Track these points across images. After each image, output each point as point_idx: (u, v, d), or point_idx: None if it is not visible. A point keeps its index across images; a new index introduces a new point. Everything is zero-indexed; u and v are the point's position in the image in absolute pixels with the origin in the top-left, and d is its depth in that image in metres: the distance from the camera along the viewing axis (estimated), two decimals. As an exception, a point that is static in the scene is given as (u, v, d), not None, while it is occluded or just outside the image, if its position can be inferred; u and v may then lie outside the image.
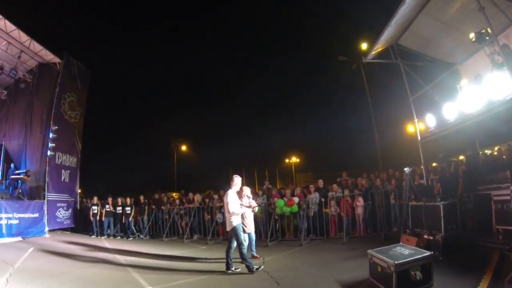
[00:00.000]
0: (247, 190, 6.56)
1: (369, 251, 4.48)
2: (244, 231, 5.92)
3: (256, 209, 6.65)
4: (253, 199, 9.34)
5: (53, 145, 11.70)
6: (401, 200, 7.52)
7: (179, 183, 25.83)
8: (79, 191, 14.05)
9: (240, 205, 5.92)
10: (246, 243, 5.99)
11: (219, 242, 9.32)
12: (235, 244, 5.63)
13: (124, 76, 40.13)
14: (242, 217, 6.08)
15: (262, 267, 5.57)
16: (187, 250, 8.23)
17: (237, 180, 5.96)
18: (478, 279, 4.05)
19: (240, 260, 5.50)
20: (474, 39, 6.17)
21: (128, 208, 11.39)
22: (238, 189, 6.04)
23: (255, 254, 6.47)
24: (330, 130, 29.07)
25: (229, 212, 5.64)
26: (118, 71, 39.15)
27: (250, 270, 5.37)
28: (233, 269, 5.49)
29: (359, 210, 8.44)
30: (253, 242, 6.54)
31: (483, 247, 5.51)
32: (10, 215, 9.40)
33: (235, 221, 5.60)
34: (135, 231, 11.42)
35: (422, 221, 5.89)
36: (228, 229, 5.75)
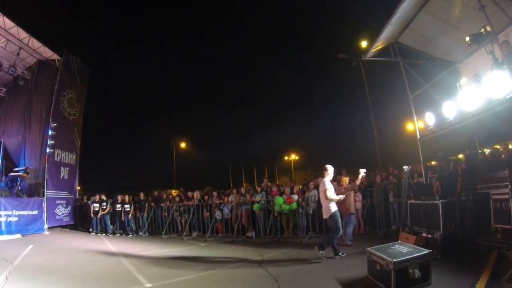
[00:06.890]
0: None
1: (367, 248, 4.50)
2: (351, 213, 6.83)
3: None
4: (252, 196, 9.38)
5: (52, 142, 11.70)
6: (400, 198, 7.54)
7: (178, 180, 25.87)
8: (78, 188, 14.05)
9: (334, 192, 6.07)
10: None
11: (218, 240, 9.36)
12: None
13: (124, 73, 40.07)
14: (347, 201, 6.66)
15: (345, 254, 5.79)
16: (186, 248, 8.23)
17: (330, 169, 6.08)
18: (477, 277, 4.05)
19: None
20: (470, 43, 6.21)
21: (127, 206, 11.41)
22: (331, 178, 6.17)
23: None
24: (329, 127, 29.13)
25: (326, 199, 5.79)
26: (118, 68, 39.14)
27: (336, 254, 5.69)
28: (340, 254, 5.71)
29: (358, 206, 8.44)
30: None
31: (481, 245, 5.52)
32: (9, 213, 9.43)
33: (333, 207, 5.78)
34: (133, 228, 11.44)
35: (421, 219, 5.89)
36: (325, 216, 5.90)
